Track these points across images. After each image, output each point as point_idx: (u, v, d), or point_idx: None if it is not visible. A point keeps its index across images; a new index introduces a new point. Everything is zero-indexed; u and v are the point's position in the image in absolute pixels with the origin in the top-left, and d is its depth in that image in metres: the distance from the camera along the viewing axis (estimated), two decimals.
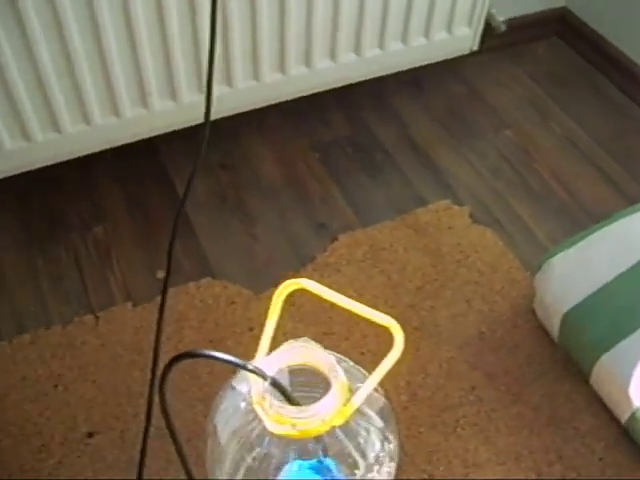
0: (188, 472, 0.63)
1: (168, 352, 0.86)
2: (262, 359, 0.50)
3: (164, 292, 0.74)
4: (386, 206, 1.04)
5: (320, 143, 1.13)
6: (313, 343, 0.51)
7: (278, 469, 0.58)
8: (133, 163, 1.08)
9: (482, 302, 0.92)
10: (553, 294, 0.80)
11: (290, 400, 0.49)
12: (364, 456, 0.54)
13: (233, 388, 0.56)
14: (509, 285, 0.94)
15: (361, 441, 0.54)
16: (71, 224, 1.01)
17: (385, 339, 0.48)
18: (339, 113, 1.17)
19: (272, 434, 0.51)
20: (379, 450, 0.55)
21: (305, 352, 0.52)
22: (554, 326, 0.82)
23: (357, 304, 0.53)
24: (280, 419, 0.48)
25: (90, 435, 0.80)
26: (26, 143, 0.89)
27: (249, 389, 0.50)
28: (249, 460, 0.57)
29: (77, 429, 0.80)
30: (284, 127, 1.15)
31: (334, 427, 0.50)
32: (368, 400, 0.56)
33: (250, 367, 0.48)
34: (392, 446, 0.57)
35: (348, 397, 0.50)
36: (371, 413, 0.55)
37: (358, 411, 0.54)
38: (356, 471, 0.56)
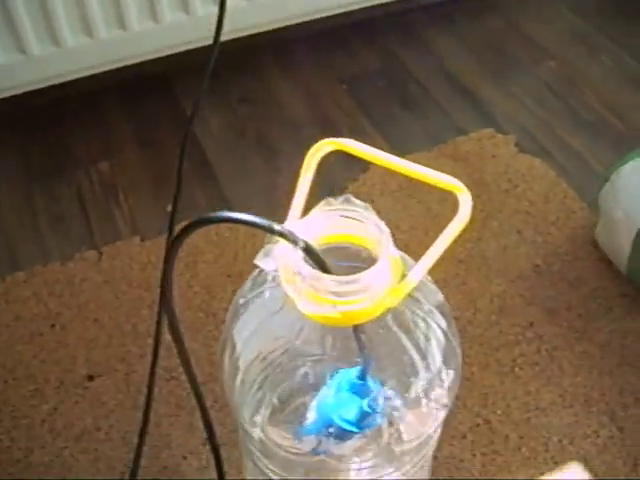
0: (203, 408, 0.51)
1: (180, 288, 0.75)
2: (292, 225, 0.38)
3: (172, 215, 0.63)
4: (422, 137, 0.91)
5: (348, 76, 1.00)
6: (356, 202, 0.39)
7: (311, 389, 0.46)
8: (144, 97, 0.96)
9: (535, 233, 0.79)
10: (624, 207, 0.68)
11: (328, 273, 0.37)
12: (424, 360, 0.42)
13: (256, 272, 0.45)
14: (565, 216, 0.81)
15: (420, 338, 0.42)
16: (75, 160, 0.90)
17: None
18: (367, 47, 1.05)
19: (304, 330, 0.39)
20: (443, 356, 0.43)
21: (345, 221, 0.40)
22: (624, 249, 0.69)
23: (410, 163, 0.41)
24: (316, 296, 0.36)
25: (90, 378, 0.68)
26: (22, 56, 0.78)
27: (276, 266, 0.39)
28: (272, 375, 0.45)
29: (75, 372, 0.68)
30: (308, 60, 1.03)
31: (386, 312, 0.38)
32: (425, 290, 0.44)
33: (278, 228, 0.36)
34: (458, 359, 0.45)
35: (403, 275, 0.38)
36: (430, 306, 0.43)
37: (415, 300, 0.42)
38: (411, 388, 0.44)
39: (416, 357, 0.42)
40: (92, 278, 0.76)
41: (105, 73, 0.91)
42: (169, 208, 0.85)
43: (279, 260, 0.38)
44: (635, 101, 0.97)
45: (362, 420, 0.45)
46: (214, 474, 0.61)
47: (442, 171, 0.41)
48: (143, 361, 0.69)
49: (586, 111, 0.95)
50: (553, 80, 1.00)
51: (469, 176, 0.85)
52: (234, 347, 0.48)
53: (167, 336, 0.71)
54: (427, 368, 0.42)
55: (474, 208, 0.84)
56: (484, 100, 0.97)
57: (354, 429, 0.46)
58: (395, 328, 0.40)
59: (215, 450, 0.55)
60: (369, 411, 0.44)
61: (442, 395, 0.44)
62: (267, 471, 0.52)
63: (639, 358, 0.68)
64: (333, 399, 0.46)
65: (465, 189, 0.40)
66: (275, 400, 0.47)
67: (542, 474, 0.61)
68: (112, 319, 0.72)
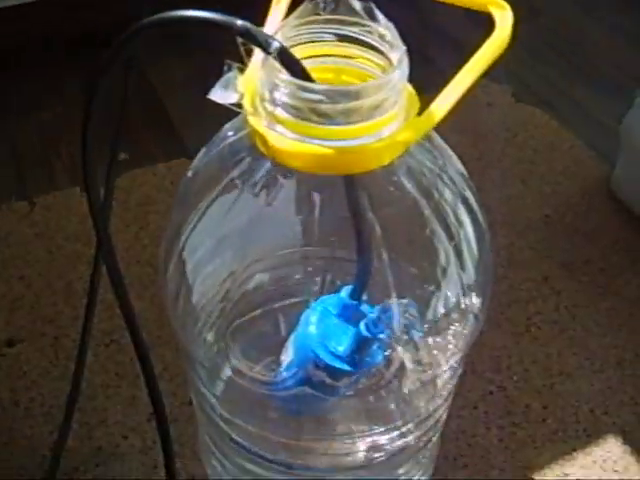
0: (148, 374, 0.36)
1: (127, 240, 0.61)
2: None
3: (113, 157, 0.49)
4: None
5: None
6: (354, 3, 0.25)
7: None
8: (95, 49, 0.83)
9: (542, 183, 0.67)
10: None
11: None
12: (459, 256, 0.28)
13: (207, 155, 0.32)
14: (574, 164, 0.69)
15: (449, 215, 0.28)
16: (11, 109, 0.75)
17: None
18: None
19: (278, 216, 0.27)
20: (478, 257, 0.30)
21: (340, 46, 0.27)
22: None
23: None
24: (296, 126, 0.23)
25: (9, 344, 0.53)
26: None
27: (238, 97, 0.25)
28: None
29: None
30: None
31: (398, 163, 0.25)
32: (445, 154, 0.30)
33: (242, 24, 0.23)
34: (489, 273, 0.31)
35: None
36: (455, 174, 0.29)
37: (433, 158, 0.28)
38: (432, 300, 0.30)
39: (442, 245, 0.28)
40: (20, 231, 0.61)
41: (52, 20, 0.78)
42: (120, 157, 0.71)
43: (243, 85, 0.25)
44: (634, 56, 0.85)
45: (358, 353, 0.31)
46: (161, 455, 0.46)
47: None
48: (77, 324, 0.53)
49: (585, 64, 0.84)
50: (548, 36, 0.88)
51: (462, 125, 0.71)
52: (183, 266, 0.34)
53: (108, 295, 0.57)
54: (461, 269, 0.29)
55: (471, 157, 0.70)
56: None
57: (346, 367, 0.32)
58: (410, 187, 0.26)
59: (162, 426, 0.40)
60: (367, 335, 0.30)
61: (468, 325, 0.31)
62: (228, 441, 0.37)
63: None
64: (316, 329, 0.33)
65: (502, 2, 0.27)
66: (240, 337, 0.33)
67: (574, 450, 0.47)
68: (42, 276, 0.58)
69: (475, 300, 0.30)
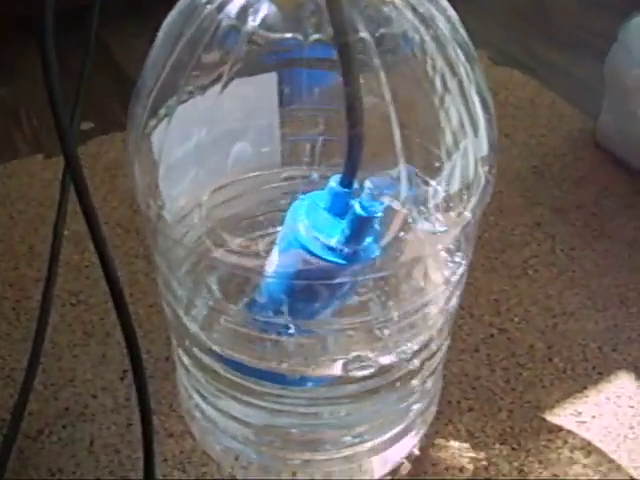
0: (125, 323, 0.31)
1: (95, 203, 0.56)
2: None
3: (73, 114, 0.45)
4: None
5: None
6: None
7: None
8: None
9: (526, 136, 0.63)
10: None
11: None
12: (467, 109, 0.24)
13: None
14: (557, 119, 0.65)
15: (450, 54, 0.24)
16: None
17: None
18: None
19: None
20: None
21: None
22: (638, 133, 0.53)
23: None
24: None
25: None
26: None
27: None
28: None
29: None
30: None
31: None
32: None
33: None
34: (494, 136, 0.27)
35: None
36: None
37: None
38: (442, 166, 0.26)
39: (452, 99, 0.24)
40: None
41: None
42: (83, 126, 0.66)
43: None
44: (608, 22, 0.83)
45: (352, 243, 0.27)
46: (135, 413, 0.41)
47: None
48: (40, 286, 0.48)
49: (559, 30, 0.81)
50: (520, 4, 0.86)
51: None
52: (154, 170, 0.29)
53: (74, 256, 0.51)
54: (473, 127, 0.24)
55: None
56: None
57: (340, 260, 0.27)
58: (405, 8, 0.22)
59: (139, 378, 0.35)
60: (363, 216, 0.26)
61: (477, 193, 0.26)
62: (213, 374, 0.32)
63: None
64: (305, 223, 0.28)
65: None
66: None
67: (585, 388, 0.43)
68: (2, 242, 0.52)
69: (485, 169, 0.25)
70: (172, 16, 0.27)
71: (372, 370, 0.31)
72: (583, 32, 0.81)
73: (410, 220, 0.24)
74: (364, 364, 0.32)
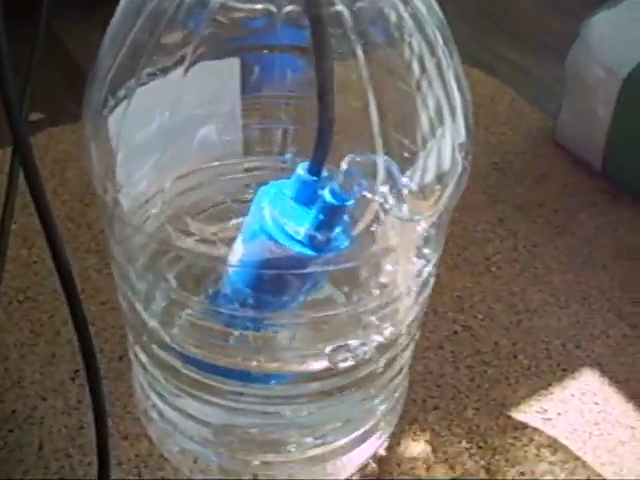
0: (78, 319, 0.29)
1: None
2: None
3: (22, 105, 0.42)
4: None
5: None
6: None
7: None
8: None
9: (487, 133, 0.63)
10: (602, 61, 0.52)
11: None
12: (444, 86, 0.23)
13: None
14: (517, 117, 0.65)
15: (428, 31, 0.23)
16: None
17: None
18: None
19: None
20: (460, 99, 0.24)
21: None
22: (602, 123, 0.53)
23: None
24: None
25: None
26: None
27: None
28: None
29: None
30: None
31: None
32: None
33: None
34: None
35: None
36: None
37: None
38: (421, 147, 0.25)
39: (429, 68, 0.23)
40: None
41: None
42: (32, 117, 0.64)
43: None
44: (567, 24, 0.84)
45: (321, 233, 0.26)
46: (87, 415, 0.39)
47: None
48: None
49: (520, 30, 0.82)
50: (481, 5, 0.86)
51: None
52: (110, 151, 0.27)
53: (22, 251, 0.49)
54: (451, 112, 0.23)
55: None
56: None
57: (308, 251, 0.26)
58: None
59: (94, 376, 0.32)
60: (333, 204, 0.25)
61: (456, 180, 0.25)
62: (173, 369, 0.31)
63: (635, 250, 0.52)
64: (270, 213, 0.27)
65: None
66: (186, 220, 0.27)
67: (550, 385, 0.43)
68: None
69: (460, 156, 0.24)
70: None
71: (348, 364, 0.30)
72: (543, 33, 0.82)
73: (384, 209, 0.23)
74: (348, 355, 0.31)
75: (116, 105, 0.26)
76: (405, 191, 0.23)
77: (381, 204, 0.23)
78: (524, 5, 0.88)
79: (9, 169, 0.41)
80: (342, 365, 0.29)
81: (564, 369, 0.44)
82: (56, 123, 0.60)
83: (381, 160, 0.22)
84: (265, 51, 0.26)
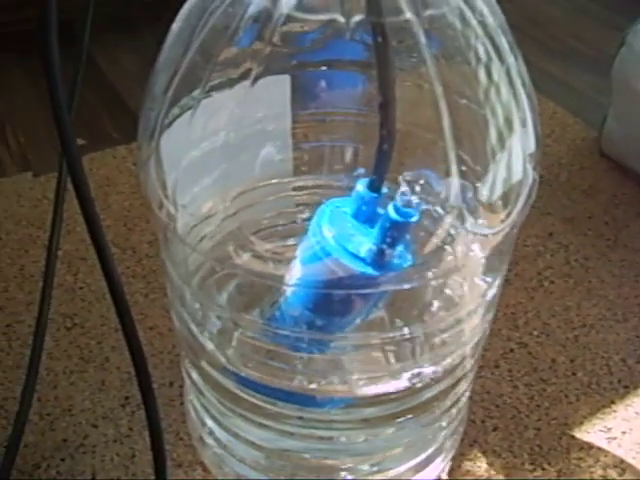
0: (131, 336, 0.28)
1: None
2: None
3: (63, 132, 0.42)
4: None
5: None
6: None
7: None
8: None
9: None
10: None
11: None
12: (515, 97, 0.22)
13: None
14: (560, 129, 0.64)
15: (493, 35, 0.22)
16: None
17: None
18: None
19: None
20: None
21: None
22: None
23: None
24: None
25: None
26: None
27: None
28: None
29: None
30: None
31: None
32: None
33: None
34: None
35: None
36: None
37: None
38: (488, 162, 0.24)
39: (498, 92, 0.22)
40: None
41: None
42: (79, 142, 0.64)
43: None
44: (601, 33, 0.83)
45: (383, 254, 0.25)
46: (139, 443, 0.38)
47: None
48: (32, 309, 0.46)
49: (553, 41, 0.81)
50: (513, 18, 0.85)
51: None
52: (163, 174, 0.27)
53: (67, 277, 0.49)
54: (521, 121, 0.23)
55: None
56: None
57: (370, 271, 0.25)
58: None
59: (149, 401, 0.31)
60: (397, 220, 0.24)
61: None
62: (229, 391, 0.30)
63: None
64: (331, 231, 0.26)
65: None
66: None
67: (612, 402, 0.41)
68: None
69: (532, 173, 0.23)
70: (189, 3, 0.25)
71: (400, 391, 0.29)
72: (575, 42, 0.80)
73: (457, 224, 0.22)
74: (393, 383, 0.30)
75: (172, 122, 0.25)
76: (479, 205, 0.22)
77: (454, 219, 0.22)
78: (553, 15, 0.87)
79: (55, 196, 0.41)
80: (417, 386, 0.28)
81: (626, 386, 0.42)
82: (96, 148, 0.61)
83: (455, 174, 0.21)
84: (323, 67, 0.26)
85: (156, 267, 0.49)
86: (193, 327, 0.29)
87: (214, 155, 0.23)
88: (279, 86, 0.28)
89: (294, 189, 0.32)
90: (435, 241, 0.23)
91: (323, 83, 0.28)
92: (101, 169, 0.58)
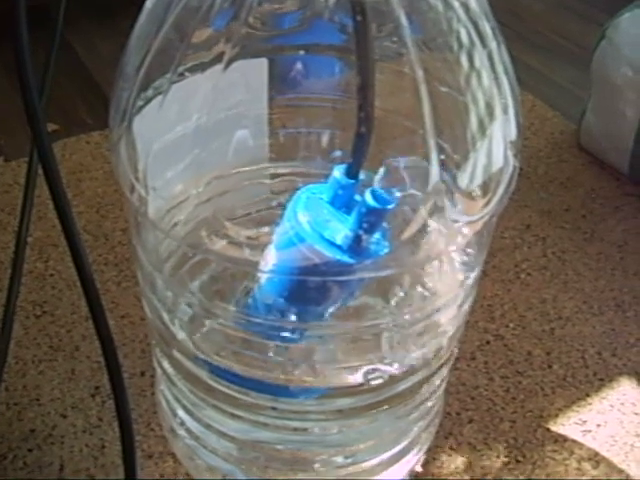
0: (101, 326, 0.27)
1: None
2: None
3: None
4: None
5: None
6: None
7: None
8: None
9: None
10: (630, 61, 0.50)
11: None
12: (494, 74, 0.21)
13: None
14: (538, 122, 0.64)
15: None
16: None
17: None
18: None
19: None
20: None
21: None
22: (625, 133, 0.52)
23: None
24: None
25: None
26: None
27: None
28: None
29: None
30: None
31: None
32: None
33: None
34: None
35: None
36: None
37: None
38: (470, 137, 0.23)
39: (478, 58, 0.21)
40: None
41: None
42: (52, 127, 0.63)
43: None
44: (581, 28, 0.83)
45: (360, 241, 0.24)
46: (109, 434, 0.37)
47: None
48: (1, 296, 0.45)
49: (536, 36, 0.80)
50: (495, 11, 0.85)
51: None
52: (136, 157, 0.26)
53: (37, 264, 0.48)
54: (503, 108, 0.22)
55: None
56: None
57: (346, 258, 0.25)
58: None
59: (119, 392, 0.30)
60: (374, 207, 0.23)
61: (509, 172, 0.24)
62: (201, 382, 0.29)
63: None
64: (307, 218, 0.25)
65: None
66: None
67: (587, 395, 0.41)
68: None
69: (511, 155, 0.23)
70: None
71: (380, 380, 0.28)
72: (556, 36, 0.80)
73: (436, 210, 0.22)
74: (373, 375, 0.30)
75: (145, 104, 0.24)
76: (458, 193, 0.22)
77: (433, 207, 0.21)
78: (535, 9, 0.87)
79: (25, 181, 0.39)
80: (377, 381, 0.28)
81: (600, 378, 0.42)
82: (70, 133, 0.59)
83: (435, 160, 0.20)
84: (301, 51, 0.25)
85: (129, 255, 0.48)
86: (164, 315, 0.28)
87: (187, 139, 0.22)
88: (256, 69, 0.28)
89: (270, 176, 0.31)
90: (413, 228, 0.22)
91: (301, 68, 0.27)
92: (74, 155, 0.56)
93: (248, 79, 0.27)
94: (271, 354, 0.27)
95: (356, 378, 0.29)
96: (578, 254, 0.51)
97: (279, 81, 0.28)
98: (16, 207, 0.52)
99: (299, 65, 0.27)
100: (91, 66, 0.69)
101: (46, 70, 0.37)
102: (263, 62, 0.28)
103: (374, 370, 0.28)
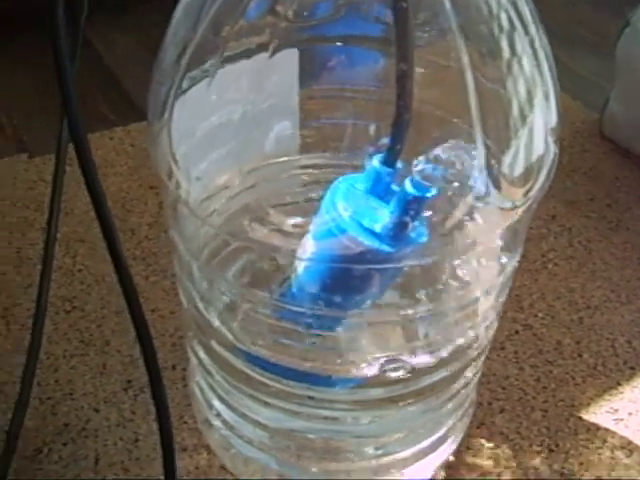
0: (137, 315, 0.27)
1: (85, 205, 0.53)
2: None
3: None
4: None
5: None
6: None
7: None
8: (31, 27, 0.74)
9: None
10: None
11: None
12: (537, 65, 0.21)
13: None
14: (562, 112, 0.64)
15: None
16: None
17: None
18: None
19: None
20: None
21: None
22: None
23: None
24: None
25: None
26: None
27: None
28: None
29: None
30: None
31: None
32: None
33: None
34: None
35: None
36: None
37: None
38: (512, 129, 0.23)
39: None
40: None
41: None
42: None
43: None
44: (600, 17, 0.82)
45: (399, 230, 0.24)
46: (142, 427, 0.38)
47: None
48: (30, 292, 0.45)
49: (555, 25, 0.80)
50: None
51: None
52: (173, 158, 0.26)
53: (65, 260, 0.48)
54: (545, 95, 0.22)
55: None
56: None
57: (385, 247, 0.25)
58: None
59: (156, 383, 0.30)
60: (415, 195, 0.23)
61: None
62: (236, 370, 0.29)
63: None
64: (345, 207, 0.25)
65: None
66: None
67: (618, 384, 0.41)
68: None
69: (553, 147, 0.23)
70: None
71: (407, 372, 0.28)
72: (575, 26, 0.80)
73: (480, 198, 0.22)
74: (399, 365, 0.30)
75: (186, 90, 0.24)
76: (502, 179, 0.22)
77: (476, 193, 0.21)
78: (554, 0, 0.86)
79: (53, 177, 0.40)
80: (398, 374, 0.28)
81: (632, 367, 0.42)
82: (93, 130, 0.59)
83: (481, 146, 0.20)
84: (338, 43, 0.25)
85: (156, 249, 0.48)
86: (200, 304, 0.29)
87: (230, 127, 0.22)
88: (290, 60, 0.28)
89: (303, 167, 0.32)
90: (457, 216, 0.22)
91: (336, 59, 0.27)
92: (99, 151, 0.57)
93: (283, 70, 0.27)
94: (308, 343, 0.27)
95: (392, 368, 0.29)
96: (604, 243, 0.50)
97: (315, 72, 0.28)
98: (42, 204, 0.52)
99: (335, 56, 0.27)
100: (111, 63, 0.69)
101: (71, 67, 0.38)
102: (294, 53, 0.28)
103: (409, 360, 0.28)
